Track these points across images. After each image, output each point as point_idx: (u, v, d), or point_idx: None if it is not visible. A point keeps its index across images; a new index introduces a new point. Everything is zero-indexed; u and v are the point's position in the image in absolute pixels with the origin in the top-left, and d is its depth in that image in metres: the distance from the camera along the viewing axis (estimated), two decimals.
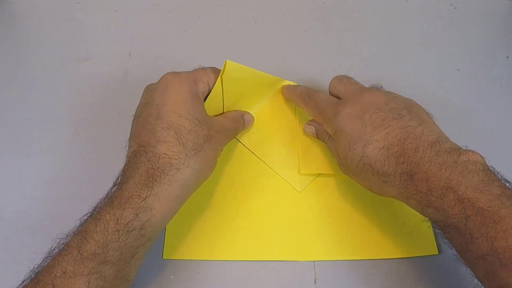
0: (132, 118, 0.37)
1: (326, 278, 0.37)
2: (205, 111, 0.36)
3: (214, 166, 0.36)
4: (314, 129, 0.42)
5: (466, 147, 0.32)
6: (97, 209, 0.30)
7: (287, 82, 0.45)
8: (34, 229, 0.38)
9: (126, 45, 0.52)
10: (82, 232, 0.29)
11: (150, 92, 0.37)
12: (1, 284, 0.35)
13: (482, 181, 0.29)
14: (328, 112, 0.38)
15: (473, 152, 0.31)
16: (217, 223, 0.39)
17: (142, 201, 0.30)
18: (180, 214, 0.38)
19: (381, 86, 0.40)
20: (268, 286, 0.36)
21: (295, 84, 0.45)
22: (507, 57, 0.52)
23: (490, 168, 0.30)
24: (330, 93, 0.42)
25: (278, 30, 0.54)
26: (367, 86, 0.39)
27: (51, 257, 0.29)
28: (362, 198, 0.40)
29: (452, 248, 0.31)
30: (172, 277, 0.36)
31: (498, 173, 0.30)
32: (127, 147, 0.35)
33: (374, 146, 0.33)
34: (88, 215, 0.31)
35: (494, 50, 0.53)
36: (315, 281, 0.37)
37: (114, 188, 0.32)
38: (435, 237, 0.39)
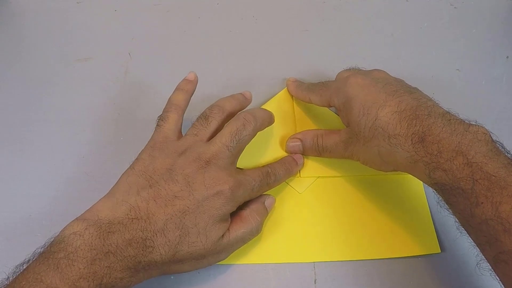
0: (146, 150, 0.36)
1: (326, 278, 0.37)
2: (221, 232, 0.34)
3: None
4: (300, 142, 0.41)
5: (476, 121, 0.33)
6: (74, 261, 0.29)
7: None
8: (34, 229, 0.38)
9: (126, 45, 0.52)
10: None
11: (195, 171, 0.33)
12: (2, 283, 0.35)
13: (491, 150, 0.30)
14: (337, 84, 0.39)
15: (481, 126, 0.32)
16: None
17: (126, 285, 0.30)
18: None
19: None
20: (268, 286, 0.36)
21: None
22: (507, 57, 0.52)
23: (497, 142, 0.31)
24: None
25: (278, 29, 0.54)
26: None
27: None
28: (362, 198, 0.40)
29: (454, 215, 0.31)
30: (172, 277, 0.36)
31: (503, 146, 0.31)
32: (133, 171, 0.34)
33: (388, 110, 0.34)
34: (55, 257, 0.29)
35: (494, 50, 0.53)
36: (315, 281, 0.37)
37: (100, 231, 0.30)
38: (437, 235, 0.38)
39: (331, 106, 0.40)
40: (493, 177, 0.28)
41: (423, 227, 0.39)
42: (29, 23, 0.54)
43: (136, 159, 0.35)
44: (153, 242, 0.31)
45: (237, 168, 0.37)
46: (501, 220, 0.27)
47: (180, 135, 0.37)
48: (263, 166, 0.38)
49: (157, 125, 0.37)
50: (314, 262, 0.37)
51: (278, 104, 0.46)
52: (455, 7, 0.56)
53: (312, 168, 0.42)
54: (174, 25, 0.53)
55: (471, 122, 0.32)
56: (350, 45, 0.52)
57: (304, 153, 0.42)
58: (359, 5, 0.56)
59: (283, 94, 0.47)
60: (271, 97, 0.47)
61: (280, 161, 0.40)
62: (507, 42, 0.53)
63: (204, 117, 0.37)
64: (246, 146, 0.42)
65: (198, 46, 0.52)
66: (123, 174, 0.34)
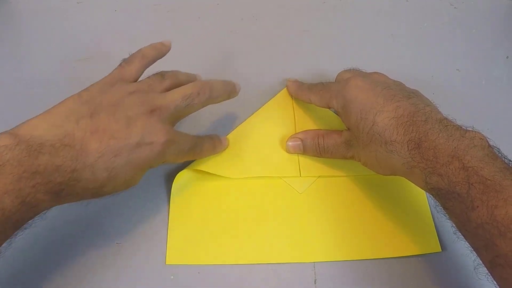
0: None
1: (326, 278, 0.37)
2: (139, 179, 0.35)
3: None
4: (301, 142, 0.42)
5: (473, 127, 0.33)
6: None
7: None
8: (34, 228, 0.38)
9: (126, 45, 0.51)
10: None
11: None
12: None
13: (487, 155, 0.30)
14: (337, 86, 0.39)
15: (478, 131, 0.32)
16: (219, 227, 0.39)
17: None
18: (182, 220, 0.39)
19: None
20: (268, 286, 0.36)
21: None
22: (507, 57, 0.52)
23: (494, 147, 0.31)
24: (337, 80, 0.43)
25: (278, 30, 0.54)
26: None
27: None
28: (363, 198, 0.40)
29: (451, 220, 0.32)
30: (172, 277, 0.36)
31: (500, 152, 0.31)
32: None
33: (385, 115, 0.34)
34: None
35: (494, 50, 0.53)
36: (315, 281, 0.37)
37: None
38: (437, 234, 0.38)
39: (331, 108, 0.40)
40: (489, 181, 0.28)
41: (424, 226, 0.39)
42: (29, 23, 0.54)
43: (86, 88, 0.35)
44: (80, 175, 0.30)
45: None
46: (497, 223, 0.27)
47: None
48: (196, 136, 0.38)
49: (119, 65, 0.38)
50: (314, 262, 0.37)
51: (278, 104, 0.46)
52: (455, 7, 0.56)
53: (312, 168, 0.42)
54: (174, 25, 0.53)
55: (468, 128, 0.32)
56: (350, 45, 0.52)
57: (305, 152, 0.42)
58: (359, 5, 0.56)
59: (283, 94, 0.47)
60: (271, 97, 0.47)
61: (208, 137, 0.40)
62: (507, 42, 0.53)
63: (160, 74, 0.38)
64: (246, 146, 0.42)
65: (198, 46, 0.52)
66: (67, 98, 0.34)
